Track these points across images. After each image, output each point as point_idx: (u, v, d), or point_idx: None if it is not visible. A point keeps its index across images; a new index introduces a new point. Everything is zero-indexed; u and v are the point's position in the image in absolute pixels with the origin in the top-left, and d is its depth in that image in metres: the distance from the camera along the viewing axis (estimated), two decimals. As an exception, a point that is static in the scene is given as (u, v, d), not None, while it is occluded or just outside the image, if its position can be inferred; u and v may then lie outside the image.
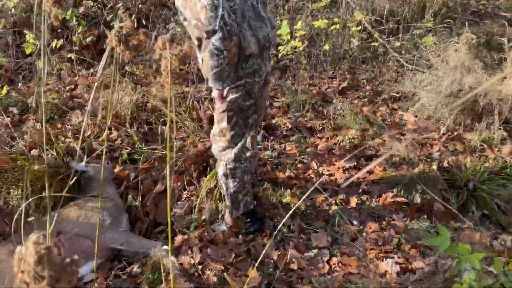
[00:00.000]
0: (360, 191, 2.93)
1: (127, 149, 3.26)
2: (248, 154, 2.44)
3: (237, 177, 2.39)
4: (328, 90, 4.34)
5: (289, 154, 3.39)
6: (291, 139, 3.58)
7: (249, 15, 2.20)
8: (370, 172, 3.15)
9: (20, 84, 4.30)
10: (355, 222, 2.65)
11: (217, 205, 2.72)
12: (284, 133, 3.65)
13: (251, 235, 2.53)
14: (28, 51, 4.19)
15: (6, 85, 2.67)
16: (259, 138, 3.55)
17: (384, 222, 2.65)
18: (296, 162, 3.28)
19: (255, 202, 2.61)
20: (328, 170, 3.19)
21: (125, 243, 2.41)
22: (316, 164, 3.24)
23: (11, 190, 2.70)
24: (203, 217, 2.69)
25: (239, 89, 2.22)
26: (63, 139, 3.31)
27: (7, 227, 2.54)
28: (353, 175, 3.13)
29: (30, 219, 2.62)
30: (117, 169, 3.02)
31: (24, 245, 0.78)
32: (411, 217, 2.67)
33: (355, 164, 3.22)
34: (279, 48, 3.96)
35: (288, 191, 2.86)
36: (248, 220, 2.52)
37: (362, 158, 3.32)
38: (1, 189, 2.68)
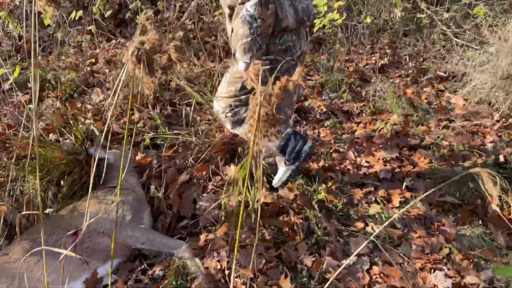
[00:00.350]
0: (403, 187, 2.64)
1: (149, 133, 3.04)
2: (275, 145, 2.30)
3: (240, 116, 2.26)
4: (366, 67, 3.97)
5: (323, 141, 3.10)
6: (325, 124, 3.28)
7: None
8: (414, 164, 2.85)
9: (39, 57, 4.10)
10: (398, 225, 2.38)
11: (247, 198, 2.49)
12: (318, 117, 3.35)
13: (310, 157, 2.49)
14: (46, 22, 3.95)
15: (18, 65, 2.45)
16: (290, 122, 3.26)
17: (432, 227, 2.37)
18: (331, 151, 3.00)
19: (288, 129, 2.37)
20: (367, 162, 2.90)
21: (146, 242, 2.23)
22: (354, 154, 2.95)
23: (28, 179, 2.53)
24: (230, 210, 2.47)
25: (264, 63, 1.98)
26: (82, 120, 3.12)
27: (24, 220, 2.40)
28: (395, 168, 2.83)
29: (47, 211, 2.48)
30: (138, 156, 2.82)
31: None
32: (462, 221, 2.38)
33: (397, 155, 2.91)
34: (315, 21, 3.59)
35: (323, 185, 2.60)
36: (295, 149, 2.37)
37: (405, 148, 3.00)
38: (17, 177, 2.52)
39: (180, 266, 2.12)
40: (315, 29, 3.64)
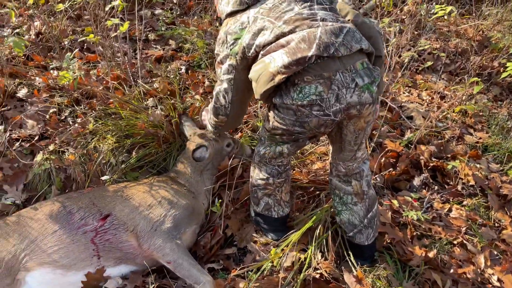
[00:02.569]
0: None
1: (247, 132, 2.64)
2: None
3: (261, 173, 1.98)
4: None
5: (450, 224, 2.27)
6: (464, 202, 2.40)
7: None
8: None
9: (195, 17, 4.03)
10: None
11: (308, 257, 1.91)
12: (459, 189, 2.48)
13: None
14: (212, -16, 3.82)
15: (127, 21, 2.26)
16: (416, 182, 2.49)
17: None
18: (455, 242, 2.16)
19: (284, 213, 2.10)
20: (499, 280, 2.00)
21: (173, 263, 1.85)
22: (486, 261, 2.07)
23: (107, 137, 2.40)
24: (285, 264, 1.93)
25: (289, 112, 1.63)
26: (193, 93, 2.87)
27: (82, 175, 2.27)
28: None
29: (104, 177, 2.32)
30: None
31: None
32: None
33: (554, 291, 1.94)
34: (507, 64, 2.61)
35: (417, 288, 1.85)
36: (268, 226, 2.11)
37: None
38: (97, 132, 2.41)
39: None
40: (504, 74, 2.64)
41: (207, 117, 2.16)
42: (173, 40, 3.61)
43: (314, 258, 1.86)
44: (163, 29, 3.76)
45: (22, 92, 2.60)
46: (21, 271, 1.72)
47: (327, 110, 1.56)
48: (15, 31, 3.20)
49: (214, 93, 1.89)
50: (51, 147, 2.29)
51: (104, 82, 2.69)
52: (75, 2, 3.08)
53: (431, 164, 2.54)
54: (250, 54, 1.66)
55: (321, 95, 1.54)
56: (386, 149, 2.59)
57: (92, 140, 2.39)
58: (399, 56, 3.39)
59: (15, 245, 1.76)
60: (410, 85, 3.37)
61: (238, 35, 1.69)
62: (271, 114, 1.76)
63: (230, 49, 1.71)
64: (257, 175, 2.00)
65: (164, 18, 3.88)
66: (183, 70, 3.22)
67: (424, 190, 2.46)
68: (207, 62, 3.29)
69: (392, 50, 3.17)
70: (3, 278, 1.67)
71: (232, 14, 1.80)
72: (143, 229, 1.90)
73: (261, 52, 1.62)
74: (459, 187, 2.48)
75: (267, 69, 1.57)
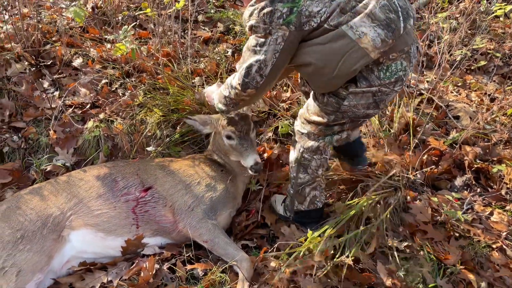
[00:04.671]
0: None
1: (289, 119, 2.65)
2: None
3: (310, 169, 1.92)
4: None
5: (490, 227, 2.21)
6: (507, 207, 2.33)
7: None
8: None
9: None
10: None
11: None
12: (503, 193, 2.41)
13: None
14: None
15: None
16: (458, 182, 2.43)
17: None
18: (495, 246, 2.11)
19: (324, 199, 2.09)
20: (539, 290, 1.94)
21: (209, 242, 1.90)
22: (526, 268, 2.01)
23: (154, 110, 2.48)
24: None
25: (365, 96, 1.60)
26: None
27: (128, 145, 2.36)
28: None
29: (149, 148, 2.40)
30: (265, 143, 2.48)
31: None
32: None
33: None
34: None
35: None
36: (312, 219, 2.08)
37: None
38: (145, 105, 2.49)
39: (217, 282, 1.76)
40: None
41: (216, 97, 1.92)
42: (221, 23, 3.65)
43: (349, 247, 1.86)
44: (212, 11, 3.81)
45: (77, 62, 2.72)
46: (66, 229, 1.82)
47: (405, 83, 1.61)
48: (73, 3, 3.33)
49: (243, 65, 1.65)
50: (101, 116, 2.39)
51: (155, 58, 2.76)
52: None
53: (475, 166, 2.48)
54: (312, 24, 1.51)
55: (406, 70, 1.55)
56: (429, 147, 2.54)
57: (140, 112, 2.47)
58: (450, 54, 3.29)
59: (63, 203, 1.86)
60: (459, 84, 3.27)
61: (293, 3, 1.50)
62: (330, 107, 1.68)
63: (283, 19, 1.50)
64: (303, 172, 1.94)
65: (213, 1, 3.92)
66: (229, 53, 3.25)
67: (465, 191, 2.40)
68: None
69: (443, 47, 3.08)
70: (50, 233, 1.77)
71: None
72: (181, 207, 1.95)
73: (329, 21, 1.49)
74: (502, 192, 2.40)
75: (357, 45, 1.46)
